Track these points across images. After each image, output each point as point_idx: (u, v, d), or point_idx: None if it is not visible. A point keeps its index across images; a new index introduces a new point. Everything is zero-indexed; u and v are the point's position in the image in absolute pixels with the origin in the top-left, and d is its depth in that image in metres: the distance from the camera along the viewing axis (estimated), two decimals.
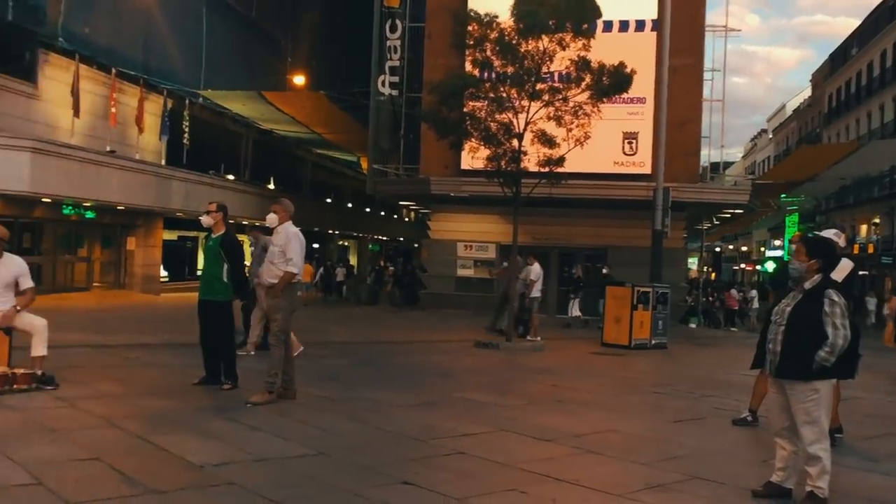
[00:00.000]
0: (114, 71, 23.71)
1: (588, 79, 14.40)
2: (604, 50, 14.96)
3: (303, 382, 8.25)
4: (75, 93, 21.83)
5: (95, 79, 23.45)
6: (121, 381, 8.52)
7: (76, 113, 21.87)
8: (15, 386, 7.29)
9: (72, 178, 19.80)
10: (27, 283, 7.82)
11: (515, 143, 14.63)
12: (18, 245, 20.06)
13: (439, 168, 23.66)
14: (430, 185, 23.54)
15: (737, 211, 28.10)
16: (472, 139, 15.13)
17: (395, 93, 26.55)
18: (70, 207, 22.51)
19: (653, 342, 15.81)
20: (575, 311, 21.33)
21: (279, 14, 34.24)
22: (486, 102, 14.80)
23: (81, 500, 4.41)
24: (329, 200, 41.87)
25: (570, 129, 14.69)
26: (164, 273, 29.04)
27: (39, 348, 7.68)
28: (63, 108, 21.93)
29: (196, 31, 28.00)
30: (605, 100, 14.87)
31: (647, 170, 22.79)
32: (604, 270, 22.95)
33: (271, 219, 7.82)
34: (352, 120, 28.88)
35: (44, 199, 20.40)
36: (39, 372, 7.59)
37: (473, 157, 15.90)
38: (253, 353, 10.56)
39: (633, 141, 23.65)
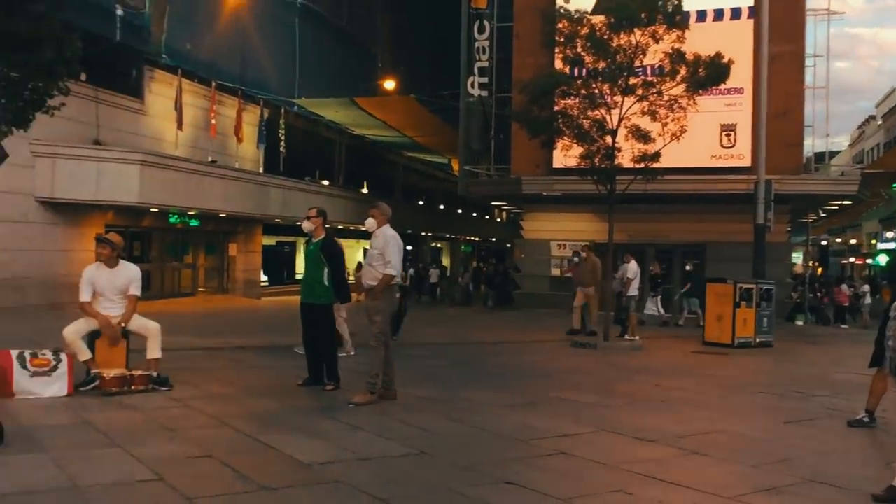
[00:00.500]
0: (213, 84, 24.63)
1: (683, 71, 14.09)
2: (698, 40, 14.63)
3: (402, 383, 8.38)
4: (178, 106, 22.80)
5: (196, 92, 24.42)
6: (229, 382, 8.85)
7: (179, 126, 22.83)
8: (133, 387, 7.69)
9: (177, 189, 20.65)
10: (134, 290, 8.21)
11: (609, 139, 14.45)
12: (129, 253, 21.06)
13: (531, 167, 23.58)
14: (522, 185, 23.48)
15: (844, 202, 26.88)
16: (565, 137, 15.02)
17: (484, 94, 26.61)
18: (176, 216, 23.51)
19: (757, 340, 15.32)
20: (653, 308, 20.93)
21: (369, 21, 34.84)
22: (578, 99, 14.67)
23: (199, 496, 4.61)
24: (421, 203, 42.30)
25: (665, 124, 14.41)
26: (263, 277, 29.94)
27: (154, 351, 8.07)
28: (167, 121, 22.93)
29: (289, 41, 28.79)
30: (701, 92, 14.53)
31: (747, 162, 22.11)
32: (687, 267, 22.42)
33: (370, 223, 7.97)
34: (442, 122, 29.11)
35: (152, 209, 21.34)
36: (155, 374, 7.97)
37: (566, 155, 15.78)
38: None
39: (732, 133, 22.98)
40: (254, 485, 4.90)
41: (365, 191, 36.06)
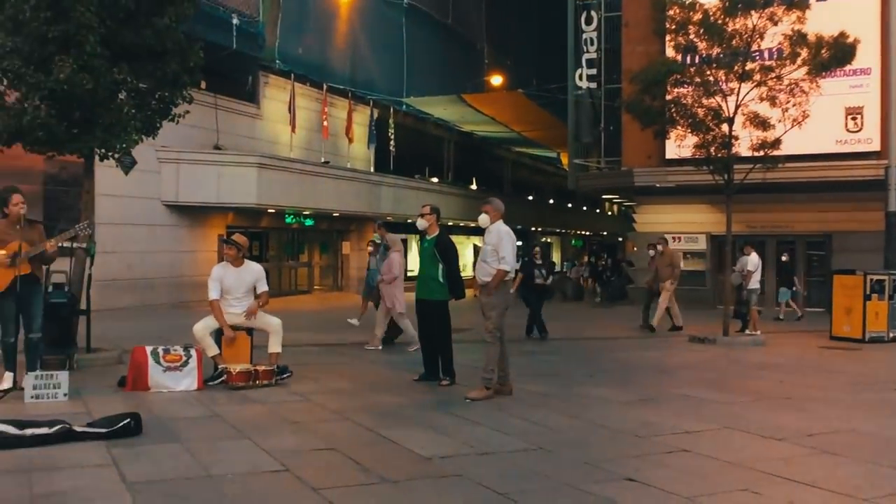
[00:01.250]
0: (325, 87, 25.29)
1: (804, 53, 13.48)
2: (820, 19, 14.03)
3: (517, 379, 8.40)
4: (292, 110, 23.55)
5: (309, 95, 25.14)
6: (347, 377, 9.09)
7: (293, 128, 23.58)
8: (258, 381, 8.01)
9: (292, 190, 21.33)
10: (263, 287, 8.60)
11: (725, 127, 13.99)
12: (249, 252, 21.86)
13: (642, 159, 23.09)
14: (634, 177, 23.01)
15: None
16: (678, 127, 14.63)
17: (593, 85, 26.21)
18: (291, 216, 24.27)
19: (891, 335, 14.51)
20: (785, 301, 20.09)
21: (474, 17, 34.97)
22: (692, 88, 14.26)
23: (325, 487, 4.76)
24: (530, 198, 42.11)
25: (785, 109, 13.83)
26: None
27: (276, 346, 8.38)
28: (281, 124, 23.71)
29: (397, 41, 29.24)
30: (824, 74, 13.85)
31: (876, 146, 20.91)
32: (783, 258, 21.45)
33: (483, 219, 8.01)
34: (550, 116, 28.88)
35: (269, 210, 22.12)
36: (276, 366, 8.28)
37: (679, 145, 15.38)
38: (380, 347, 11.54)
39: (858, 116, 21.77)
40: (376, 477, 5.02)
41: (474, 187, 36.21)
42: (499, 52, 36.40)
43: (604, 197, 35.75)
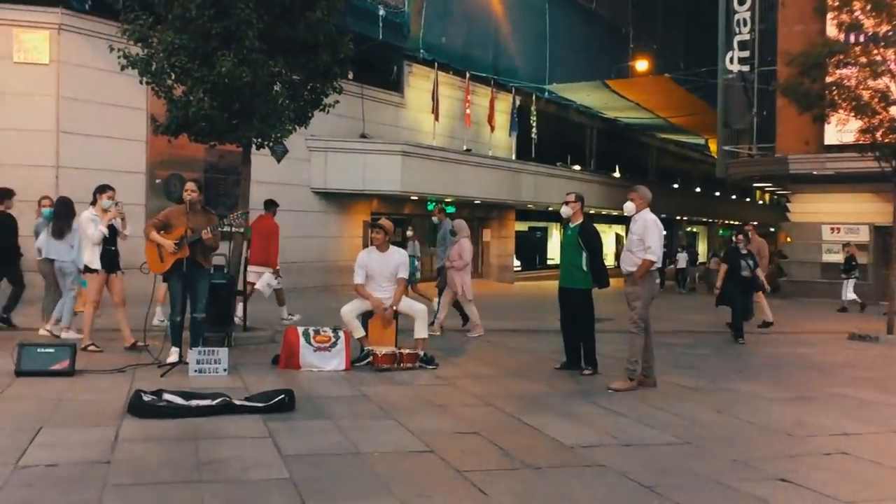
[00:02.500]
0: (467, 75, 25.51)
1: None
2: None
3: (661, 371, 8.23)
4: (435, 98, 23.94)
5: (451, 84, 25.43)
6: (490, 363, 9.18)
7: (436, 117, 23.96)
8: (402, 364, 8.23)
9: (434, 177, 21.71)
10: (402, 273, 8.81)
11: (894, 110, 13.07)
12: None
13: (799, 145, 21.92)
14: (789, 164, 21.90)
15: None
16: (840, 111, 13.79)
17: (745, 69, 25.10)
18: (433, 203, 24.66)
19: None
20: (849, 293, 18.57)
21: (619, 1, 34.20)
22: (857, 69, 13.39)
23: (469, 469, 4.85)
24: (676, 186, 40.91)
25: None
26: (516, 262, 30.57)
27: (421, 331, 8.59)
28: (424, 113, 24.13)
29: (540, 28, 29.07)
30: None
31: None
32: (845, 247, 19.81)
33: (628, 207, 7.87)
34: (698, 101, 27.92)
35: (412, 197, 22.59)
36: (422, 352, 8.47)
37: (841, 130, 14.51)
38: (439, 333, 11.25)
39: None
40: (519, 463, 5.06)
41: (617, 175, 35.55)
42: (644, 35, 35.48)
43: (755, 185, 34.19)
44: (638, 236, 7.69)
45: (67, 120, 15.08)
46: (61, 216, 9.80)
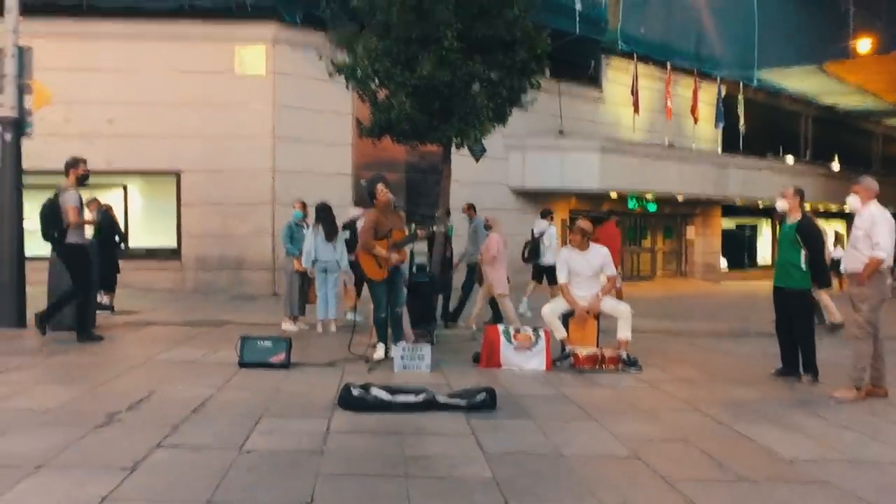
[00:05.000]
0: (668, 66, 24.67)
1: None
2: None
3: (894, 381, 7.50)
4: (634, 91, 23.34)
5: (651, 75, 24.70)
6: (696, 366, 8.79)
7: (636, 110, 23.36)
8: (604, 366, 8.08)
9: (634, 173, 21.18)
10: (610, 270, 8.65)
11: None
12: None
13: None
14: None
15: None
16: None
17: None
18: (634, 200, 24.10)
19: None
20: None
21: None
22: None
23: (677, 479, 4.65)
24: None
25: None
26: (722, 261, 29.25)
27: (625, 332, 8.38)
28: (623, 107, 23.61)
29: (746, 12, 27.52)
30: None
31: None
32: None
33: (852, 201, 7.24)
34: None
35: (611, 194, 22.18)
36: (625, 354, 8.27)
37: None
38: (474, 328, 11.06)
39: None
40: (732, 475, 4.79)
41: (836, 166, 33.00)
42: (868, 11, 32.62)
43: None
44: (864, 232, 7.04)
45: (282, 126, 16.21)
46: (328, 221, 10.60)
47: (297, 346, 8.35)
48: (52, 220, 8.98)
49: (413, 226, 8.44)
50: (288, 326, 10.73)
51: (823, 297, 12.16)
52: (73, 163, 9.21)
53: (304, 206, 11.23)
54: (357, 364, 8.10)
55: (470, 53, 9.95)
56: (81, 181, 9.25)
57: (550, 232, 13.97)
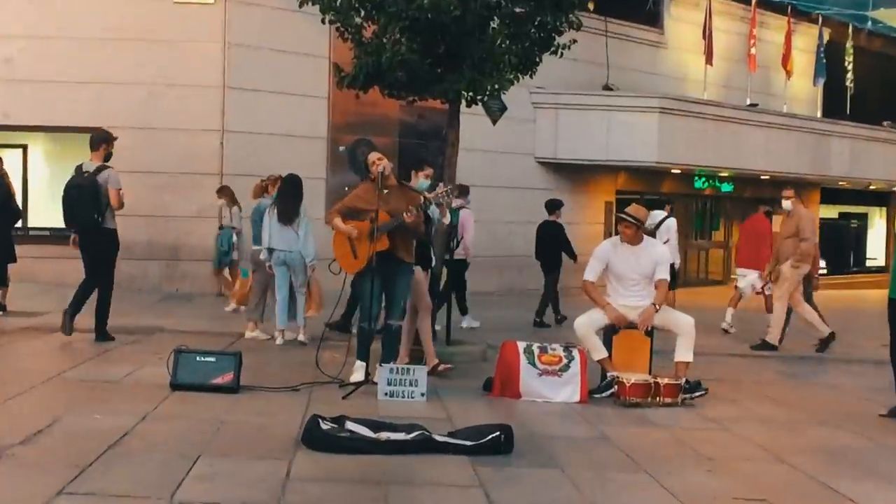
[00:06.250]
0: (753, 1, 24.60)
1: None
2: None
3: None
4: (707, 35, 23.25)
5: (730, 13, 24.69)
6: (779, 401, 8.83)
7: (708, 60, 23.29)
8: (658, 398, 8.05)
9: (704, 143, 21.09)
10: (662, 273, 8.63)
11: None
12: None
13: None
14: None
15: None
16: None
17: None
18: (703, 179, 24.04)
19: None
20: None
21: None
22: None
23: None
24: None
25: None
26: (821, 262, 29.17)
27: (685, 353, 8.38)
28: (692, 54, 23.57)
29: None
30: None
31: None
32: None
33: None
34: None
35: (673, 171, 22.13)
36: (684, 380, 8.26)
37: None
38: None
39: None
40: None
41: None
42: None
43: None
44: None
45: (235, 73, 16.09)
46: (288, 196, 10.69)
47: (250, 362, 8.36)
48: (95, 201, 9.95)
49: (418, 206, 8.31)
50: (255, 334, 10.92)
51: (799, 304, 12.80)
52: (105, 137, 10.19)
53: (275, 182, 11.28)
54: (329, 389, 8.10)
55: None
56: (107, 159, 10.18)
57: (669, 224, 14.19)
